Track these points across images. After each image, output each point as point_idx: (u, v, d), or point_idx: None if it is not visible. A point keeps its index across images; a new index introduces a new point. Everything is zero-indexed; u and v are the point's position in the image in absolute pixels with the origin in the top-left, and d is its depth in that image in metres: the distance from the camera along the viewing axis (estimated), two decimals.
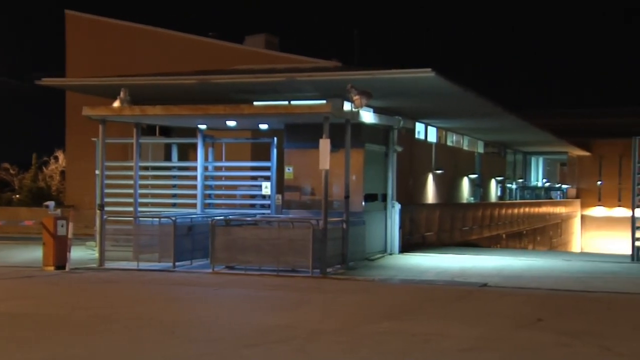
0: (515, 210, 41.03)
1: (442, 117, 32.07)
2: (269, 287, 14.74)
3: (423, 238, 24.76)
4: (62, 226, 16.99)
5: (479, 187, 42.16)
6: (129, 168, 20.03)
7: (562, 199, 59.48)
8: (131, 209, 19.24)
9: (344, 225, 17.22)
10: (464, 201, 38.86)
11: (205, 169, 21.03)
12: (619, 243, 47.63)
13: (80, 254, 19.60)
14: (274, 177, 20.18)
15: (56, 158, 45.07)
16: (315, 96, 23.84)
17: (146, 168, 22.42)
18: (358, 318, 11.34)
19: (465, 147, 40.44)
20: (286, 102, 23.84)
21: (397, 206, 20.82)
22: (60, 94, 31.17)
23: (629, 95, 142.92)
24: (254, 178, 21.36)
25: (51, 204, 18.05)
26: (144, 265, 17.37)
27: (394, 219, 20.76)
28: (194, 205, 20.93)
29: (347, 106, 20.30)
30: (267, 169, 20.37)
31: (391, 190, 20.76)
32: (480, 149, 43.37)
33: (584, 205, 61.22)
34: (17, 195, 42.46)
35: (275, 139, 20.38)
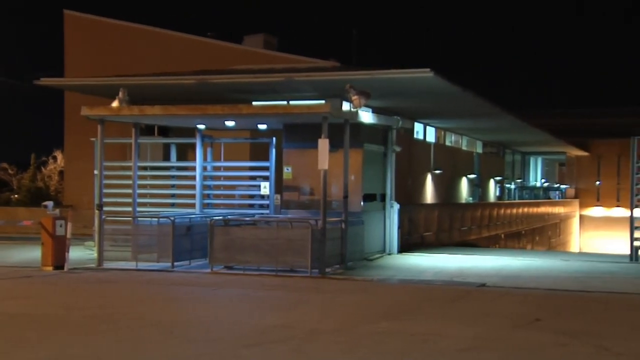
0: (514, 210, 41.05)
1: (441, 117, 32.08)
2: (268, 287, 14.74)
3: (422, 238, 24.77)
4: (60, 226, 16.99)
5: (478, 187, 42.17)
6: (128, 168, 20.03)
7: (560, 199, 59.50)
8: (130, 209, 19.23)
9: (343, 225, 17.23)
10: (463, 201, 38.86)
11: (204, 169, 21.03)
12: (617, 243, 47.68)
13: (79, 254, 19.60)
14: (272, 177, 20.18)
15: (55, 158, 45.08)
16: (313, 96, 23.85)
17: (145, 168, 22.42)
18: (356, 318, 11.35)
19: (464, 147, 40.45)
20: (285, 102, 23.83)
21: (396, 206, 20.83)
22: (59, 94, 31.16)
23: (628, 95, 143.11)
24: (253, 178, 21.36)
25: (50, 204, 18.06)
26: (142, 265, 17.38)
27: (392, 219, 20.77)
28: (192, 205, 20.93)
29: (345, 106, 20.32)
30: (266, 169, 20.38)
31: (390, 190, 20.77)
32: (479, 149, 43.38)
33: (582, 206, 61.25)
34: (16, 195, 42.47)
35: (274, 139, 20.38)
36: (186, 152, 24.21)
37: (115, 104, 18.21)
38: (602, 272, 17.92)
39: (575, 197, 61.50)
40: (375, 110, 23.14)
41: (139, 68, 26.34)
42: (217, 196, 21.60)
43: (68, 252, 17.01)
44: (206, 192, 21.20)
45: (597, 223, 59.84)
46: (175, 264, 17.41)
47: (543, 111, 65.37)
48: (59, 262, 16.81)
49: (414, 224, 23.94)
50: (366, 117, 19.03)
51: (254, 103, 23.50)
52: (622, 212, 54.03)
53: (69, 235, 17.05)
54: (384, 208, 20.71)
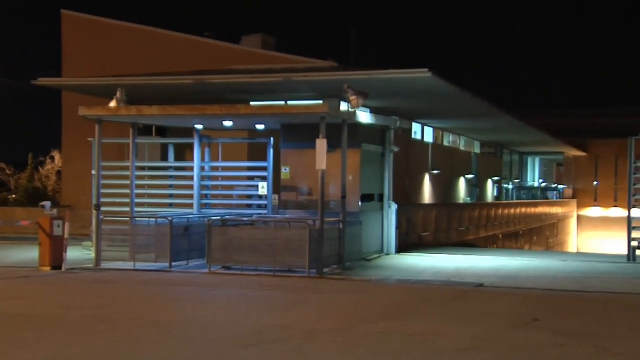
0: (512, 210, 41.06)
1: (439, 117, 32.09)
2: (266, 287, 14.73)
3: (419, 238, 24.77)
4: (58, 226, 16.97)
5: (476, 187, 42.17)
6: (126, 168, 20.00)
7: (558, 199, 59.55)
8: (127, 209, 19.21)
9: (341, 225, 17.23)
10: (461, 201, 38.87)
11: (202, 169, 21.01)
12: (614, 243, 47.74)
13: (77, 254, 19.58)
14: (270, 177, 20.18)
15: (52, 158, 45.04)
16: (311, 96, 23.84)
17: (142, 168, 22.40)
18: (354, 318, 11.34)
19: (462, 147, 40.46)
20: (282, 102, 23.82)
21: (394, 206, 20.83)
22: (56, 94, 31.13)
23: (627, 95, 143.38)
24: (251, 178, 21.35)
25: (47, 203, 18.03)
26: (140, 265, 17.36)
27: (390, 219, 20.77)
28: (190, 205, 20.92)
29: (343, 106, 20.28)
30: (264, 169, 20.38)
31: (387, 190, 20.77)
32: (477, 149, 43.39)
33: (580, 206, 61.30)
34: (13, 195, 42.44)
35: (271, 139, 20.38)
36: (184, 152, 24.19)
37: (112, 104, 18.19)
38: (600, 272, 17.93)
39: (573, 197, 61.55)
40: (373, 110, 23.12)
41: (136, 68, 26.32)
42: (215, 196, 21.59)
43: (65, 252, 16.98)
44: (204, 192, 21.18)
45: (595, 223, 59.90)
46: (173, 264, 17.40)
47: (541, 111, 65.45)
48: (57, 262, 16.79)
49: (411, 224, 23.95)
50: (364, 117, 19.03)
51: (252, 103, 23.49)
52: (620, 212, 54.09)
53: (66, 235, 17.03)
54: (381, 208, 20.71)
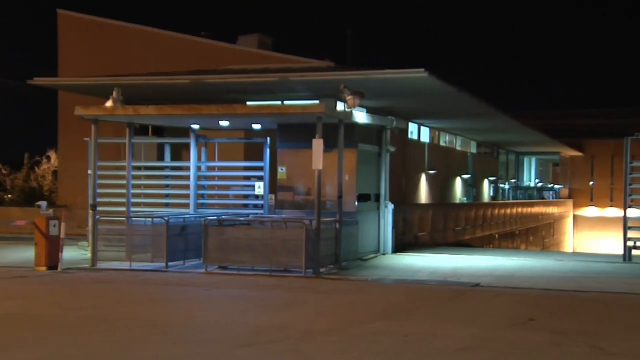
0: (508, 210, 41.11)
1: (435, 117, 32.12)
2: (262, 287, 14.73)
3: (416, 238, 24.78)
4: (54, 226, 16.94)
5: (472, 187, 42.22)
6: (122, 168, 20.00)
7: (554, 199, 59.62)
8: (124, 209, 19.21)
9: (337, 225, 17.24)
10: (457, 201, 38.91)
11: (198, 168, 21.00)
12: (611, 243, 47.78)
13: (73, 254, 19.55)
14: (266, 177, 20.18)
15: (48, 158, 44.98)
16: (308, 96, 23.85)
17: (139, 168, 22.40)
18: (351, 318, 11.35)
19: (458, 147, 40.50)
20: (279, 102, 23.84)
21: (390, 206, 20.83)
22: (52, 93, 31.10)
23: (627, 96, 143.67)
24: (247, 178, 21.35)
25: (43, 203, 17.99)
26: (136, 265, 17.35)
27: (386, 219, 20.77)
28: (186, 205, 20.91)
29: (340, 106, 20.30)
30: (260, 168, 20.38)
31: (384, 190, 20.78)
32: (473, 149, 43.44)
33: (576, 206, 61.39)
34: (9, 195, 42.37)
35: (268, 138, 20.38)
36: (180, 152, 24.19)
37: (109, 103, 18.18)
38: (596, 272, 17.96)
39: (569, 197, 61.63)
40: (370, 110, 23.15)
41: (133, 68, 26.30)
42: (211, 196, 21.59)
43: (62, 252, 16.96)
44: (200, 192, 21.17)
45: (591, 223, 59.99)
46: (169, 264, 17.39)
47: (538, 111, 65.53)
48: (53, 262, 16.77)
49: (408, 224, 23.96)
50: (360, 117, 19.04)
51: (249, 103, 23.49)
52: (616, 212, 54.16)
53: (62, 235, 17.00)
54: (378, 208, 20.72)
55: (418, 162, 32.87)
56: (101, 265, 17.62)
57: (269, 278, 15.81)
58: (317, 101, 22.20)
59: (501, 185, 50.57)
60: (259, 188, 20.35)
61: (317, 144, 16.31)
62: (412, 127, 32.30)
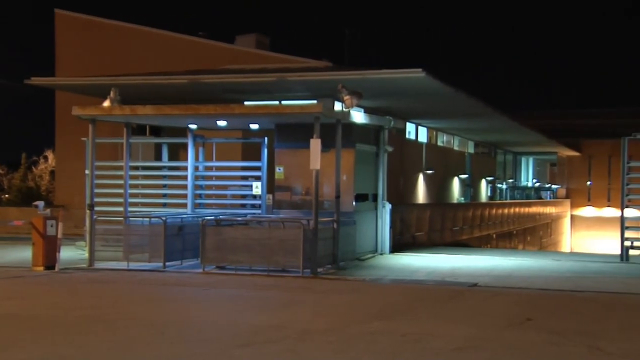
0: (506, 211, 41.14)
1: (433, 117, 32.14)
2: (260, 287, 14.73)
3: (413, 238, 24.79)
4: (51, 226, 16.92)
5: (470, 187, 42.25)
6: (119, 168, 19.98)
7: (552, 199, 59.68)
8: (121, 208, 19.18)
9: (335, 225, 17.23)
10: (455, 201, 38.93)
11: (196, 168, 20.98)
12: (608, 243, 47.82)
13: (70, 254, 19.53)
14: (264, 177, 20.17)
15: (46, 158, 44.96)
16: (306, 96, 23.85)
17: (136, 168, 22.37)
18: (349, 318, 11.35)
19: (456, 147, 40.52)
20: (277, 102, 23.83)
21: (388, 206, 20.84)
22: (50, 93, 31.07)
23: (626, 96, 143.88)
24: (245, 178, 21.34)
25: (40, 203, 17.98)
26: (134, 265, 17.33)
27: (384, 219, 20.78)
28: (184, 205, 20.89)
29: (337, 106, 20.31)
30: (258, 168, 20.36)
31: (382, 190, 20.78)
32: (471, 149, 43.47)
33: (573, 206, 61.45)
34: (6, 195, 42.35)
35: (266, 138, 20.36)
36: (178, 152, 24.17)
37: (106, 103, 18.16)
38: (593, 272, 17.98)
39: (567, 197, 61.69)
40: (367, 110, 23.17)
41: (130, 68, 26.28)
42: (209, 196, 21.57)
43: (59, 252, 16.94)
44: (198, 192, 21.16)
45: (588, 223, 60.05)
46: (167, 264, 17.37)
47: (536, 112, 65.58)
48: (50, 262, 16.75)
49: (405, 224, 23.97)
50: (358, 117, 19.04)
51: (246, 103, 23.47)
52: (613, 212, 54.22)
53: (60, 235, 16.99)
54: (375, 208, 20.72)
55: (416, 162, 32.89)
56: (99, 265, 17.61)
57: (267, 278, 15.81)
58: (314, 101, 22.18)
59: (499, 185, 50.61)
60: (257, 188, 20.34)
61: (315, 144, 16.31)
62: (410, 127, 32.32)
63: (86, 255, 18.08)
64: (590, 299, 13.72)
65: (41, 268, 16.65)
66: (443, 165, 36.71)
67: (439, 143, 37.53)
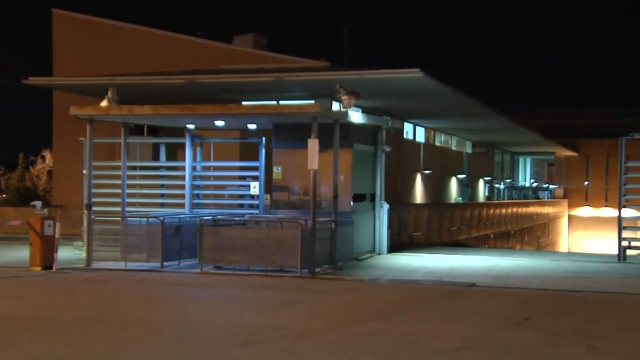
0: (503, 210, 41.15)
1: (431, 118, 32.13)
2: (257, 287, 14.72)
3: (411, 238, 24.79)
4: (49, 226, 16.91)
5: (467, 187, 42.24)
6: (117, 168, 19.96)
7: (549, 199, 59.71)
8: (119, 208, 19.17)
9: (333, 225, 17.23)
10: (452, 201, 38.93)
11: (194, 168, 20.98)
12: (605, 243, 47.89)
13: (68, 254, 19.51)
14: (262, 177, 20.17)
15: (43, 158, 44.91)
16: (303, 96, 23.84)
17: (134, 168, 22.36)
18: (346, 318, 11.35)
19: (454, 147, 40.53)
20: (275, 102, 23.81)
21: (386, 206, 20.84)
22: (47, 93, 31.04)
23: (626, 96, 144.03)
24: (243, 178, 21.33)
25: (38, 203, 17.97)
26: (131, 265, 17.32)
27: (382, 219, 20.79)
28: (182, 205, 20.88)
29: (335, 106, 20.30)
30: (256, 168, 20.37)
31: (379, 190, 20.79)
32: (469, 149, 43.47)
33: (571, 206, 61.48)
34: (4, 195, 42.31)
35: (263, 138, 20.37)
36: (175, 152, 24.15)
37: (104, 103, 18.15)
38: (591, 272, 18.00)
39: (564, 197, 61.73)
40: (365, 111, 23.14)
41: (128, 67, 26.25)
42: (207, 196, 21.57)
43: (56, 252, 16.93)
44: (195, 192, 21.15)
45: (586, 223, 60.08)
46: (165, 264, 17.37)
47: (533, 112, 65.61)
48: (48, 262, 16.73)
49: (403, 224, 23.97)
50: (356, 117, 19.04)
51: (244, 103, 23.47)
52: (611, 212, 54.27)
53: (57, 235, 16.98)
54: (373, 208, 20.73)
55: (413, 162, 32.89)
56: (96, 265, 17.59)
57: (265, 278, 15.81)
58: (312, 101, 22.18)
59: (496, 185, 50.61)
60: (255, 188, 20.35)
61: (313, 144, 16.31)
62: (408, 127, 32.31)
63: (84, 255, 18.07)
64: (588, 299, 13.73)
65: (39, 268, 16.63)
66: (441, 165, 36.70)
67: (437, 143, 37.53)
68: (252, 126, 20.08)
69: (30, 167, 45.44)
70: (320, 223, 16.75)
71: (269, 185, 20.15)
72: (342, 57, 34.37)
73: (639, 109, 61.84)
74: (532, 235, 47.20)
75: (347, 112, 17.90)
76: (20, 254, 18.91)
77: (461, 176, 40.66)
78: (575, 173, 61.78)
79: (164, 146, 23.06)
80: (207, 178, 21.78)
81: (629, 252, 20.67)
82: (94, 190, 18.68)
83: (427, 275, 16.63)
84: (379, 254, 20.53)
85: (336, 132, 17.40)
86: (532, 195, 59.71)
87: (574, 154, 59.69)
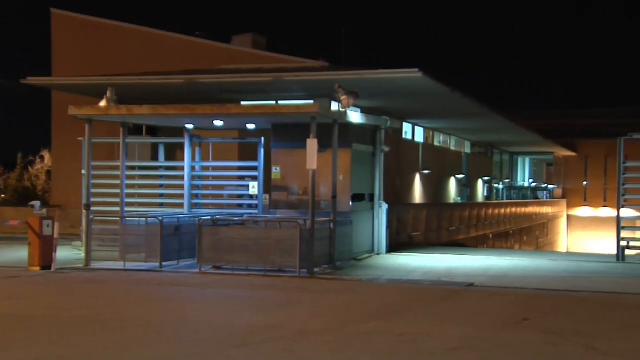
0: (502, 210, 41.16)
1: (430, 117, 32.14)
2: (256, 287, 14.73)
3: (410, 238, 24.80)
4: (48, 226, 16.90)
5: (466, 187, 42.25)
6: (116, 168, 19.97)
7: (548, 199, 59.71)
8: (118, 208, 19.18)
9: (332, 225, 17.24)
10: (451, 201, 38.94)
11: (193, 168, 20.99)
12: (604, 243, 47.88)
13: (67, 254, 19.52)
14: (261, 177, 20.18)
15: (42, 158, 44.87)
16: (302, 96, 23.84)
17: (133, 168, 22.36)
18: (345, 318, 11.35)
19: (453, 147, 40.53)
20: (273, 102, 23.81)
21: (385, 206, 20.85)
22: (46, 93, 31.03)
23: (626, 96, 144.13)
24: (241, 178, 21.34)
25: (37, 203, 17.96)
26: (130, 265, 17.32)
27: (381, 219, 20.79)
28: (181, 205, 20.89)
29: (334, 106, 20.30)
30: (255, 168, 20.37)
31: (378, 190, 20.80)
32: (467, 149, 43.47)
33: (570, 206, 61.50)
34: (3, 195, 42.27)
35: (262, 138, 20.37)
36: (174, 152, 24.14)
37: (103, 103, 18.15)
38: (590, 272, 18.01)
39: (563, 197, 61.75)
40: (364, 110, 23.14)
41: (127, 67, 26.24)
42: (206, 196, 21.57)
43: (55, 252, 16.93)
44: (194, 192, 21.16)
45: (585, 223, 60.10)
46: (164, 264, 17.37)
47: (532, 112, 65.63)
48: (46, 262, 16.73)
49: (402, 224, 23.98)
50: (355, 117, 19.05)
51: (243, 103, 23.47)
52: (609, 212, 54.27)
53: (56, 235, 16.97)
54: (372, 208, 20.73)
55: (412, 162, 32.89)
56: (95, 265, 17.59)
57: (263, 278, 15.81)
58: (311, 101, 22.19)
59: (495, 185, 50.62)
60: (253, 188, 20.36)
61: (312, 144, 16.31)
62: (407, 127, 32.31)
63: (82, 255, 18.07)
64: (587, 299, 13.74)
65: (37, 268, 16.63)
66: (440, 165, 36.71)
67: (436, 143, 37.54)
68: (251, 126, 20.08)
69: (29, 167, 45.40)
70: (319, 223, 16.75)
71: (267, 185, 20.15)
72: (341, 57, 34.42)
73: (638, 109, 61.83)
74: (530, 235, 47.21)
75: (346, 112, 17.91)
76: (19, 254, 18.90)
77: (460, 176, 40.67)
78: (574, 173, 61.79)
79: (163, 146, 23.06)
80: (206, 178, 21.78)
81: (627, 252, 20.69)
82: (92, 190, 18.68)
83: (425, 275, 16.64)
84: (377, 254, 20.54)
85: (335, 132, 17.40)
86: (530, 195, 59.72)
87: (573, 154, 59.72)
